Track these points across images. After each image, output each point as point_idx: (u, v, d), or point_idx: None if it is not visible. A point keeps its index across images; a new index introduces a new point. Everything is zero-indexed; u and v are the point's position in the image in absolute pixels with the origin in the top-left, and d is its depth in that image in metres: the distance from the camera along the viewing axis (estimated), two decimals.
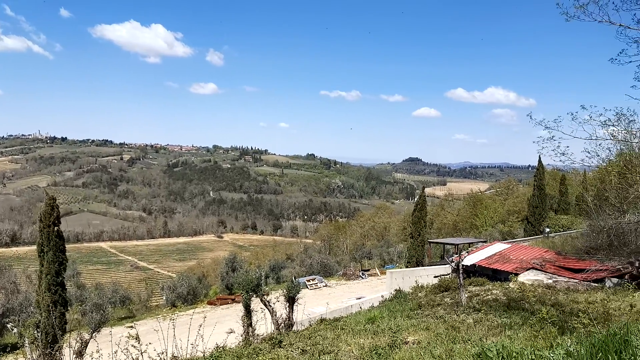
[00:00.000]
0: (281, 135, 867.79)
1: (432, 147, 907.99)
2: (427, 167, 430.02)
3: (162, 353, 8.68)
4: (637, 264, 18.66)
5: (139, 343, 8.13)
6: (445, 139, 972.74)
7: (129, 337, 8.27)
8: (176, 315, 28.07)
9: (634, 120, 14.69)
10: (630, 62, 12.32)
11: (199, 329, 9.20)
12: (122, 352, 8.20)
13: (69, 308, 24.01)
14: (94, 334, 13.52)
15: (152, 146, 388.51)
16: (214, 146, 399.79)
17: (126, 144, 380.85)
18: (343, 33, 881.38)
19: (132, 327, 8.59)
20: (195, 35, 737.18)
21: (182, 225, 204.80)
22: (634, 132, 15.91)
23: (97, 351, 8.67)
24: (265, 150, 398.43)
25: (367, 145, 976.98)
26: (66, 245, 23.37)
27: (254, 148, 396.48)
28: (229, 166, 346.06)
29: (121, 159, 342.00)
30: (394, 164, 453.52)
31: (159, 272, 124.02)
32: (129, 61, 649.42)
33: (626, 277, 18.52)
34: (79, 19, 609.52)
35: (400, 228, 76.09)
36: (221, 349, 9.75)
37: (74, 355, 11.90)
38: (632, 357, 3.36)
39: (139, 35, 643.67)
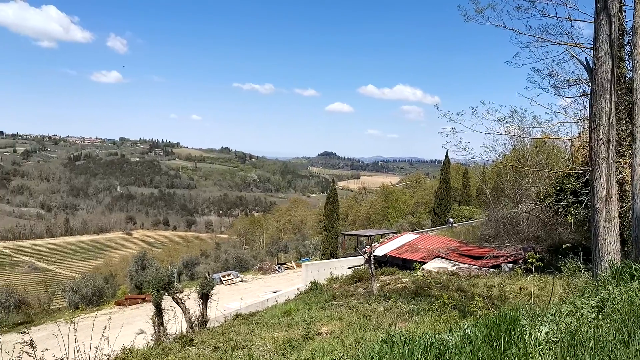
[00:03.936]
0: (194, 127, 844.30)
1: (346, 141, 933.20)
2: (341, 161, 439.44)
3: (62, 359, 8.09)
4: (528, 250, 20.46)
5: (33, 349, 7.50)
6: (358, 134, 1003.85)
7: (22, 344, 7.60)
8: (79, 318, 26.33)
9: (526, 118, 16.07)
10: (523, 64, 13.44)
11: (104, 332, 8.70)
12: None
13: None
14: None
15: (50, 138, 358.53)
16: (121, 138, 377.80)
17: (20, 135, 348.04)
18: (255, 23, 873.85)
19: (25, 332, 7.87)
20: (93, 19, 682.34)
21: (86, 223, 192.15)
22: (526, 129, 17.37)
23: None
24: (177, 143, 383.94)
25: (283, 139, 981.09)
26: None
27: (165, 141, 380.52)
28: (138, 160, 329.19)
29: (14, 151, 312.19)
30: (309, 157, 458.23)
31: (60, 272, 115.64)
32: (19, 45, 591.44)
33: (519, 261, 20.24)
34: None
35: (315, 221, 77.18)
36: (128, 351, 9.30)
37: None
38: (520, 335, 3.68)
39: (28, 17, 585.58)
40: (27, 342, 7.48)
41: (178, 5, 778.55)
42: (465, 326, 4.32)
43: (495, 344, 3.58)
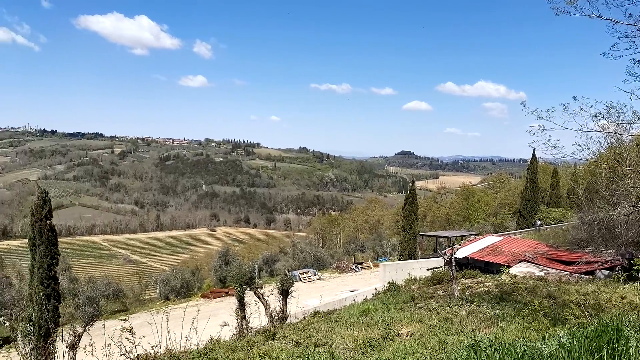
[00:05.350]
0: (273, 128, 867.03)
1: (424, 140, 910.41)
2: (419, 160, 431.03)
3: (156, 346, 8.67)
4: (627, 256, 18.86)
5: (132, 336, 8.11)
6: (437, 133, 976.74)
7: (122, 330, 8.25)
8: (170, 308, 28.05)
9: (624, 113, 14.75)
10: (622, 56, 12.35)
11: (193, 322, 9.20)
12: (115, 345, 8.18)
13: (62, 301, 23.87)
14: (87, 327, 13.47)
15: (143, 139, 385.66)
16: (206, 139, 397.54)
17: (117, 137, 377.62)
18: (332, 25, 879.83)
19: (125, 320, 8.54)
20: (180, 27, 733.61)
21: (175, 219, 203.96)
22: (624, 125, 15.97)
23: (91, 344, 8.64)
24: (258, 144, 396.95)
25: (360, 139, 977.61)
26: (58, 239, 23.21)
27: (246, 141, 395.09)
28: (222, 159, 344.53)
29: (112, 152, 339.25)
30: (386, 157, 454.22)
31: (151, 265, 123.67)
32: (115, 53, 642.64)
33: (617, 268, 18.73)
34: (60, 10, 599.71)
35: (393, 221, 76.28)
36: (215, 341, 9.76)
37: (67, 349, 11.85)
38: (625, 347, 3.40)
39: (123, 27, 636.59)
40: (127, 329, 8.11)
41: (258, 10, 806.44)
42: (561, 335, 4.07)
43: (596, 355, 3.33)
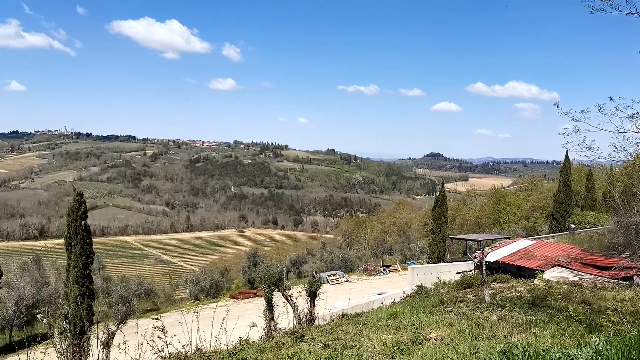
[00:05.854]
0: (301, 130, 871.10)
1: (453, 142, 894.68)
2: (448, 162, 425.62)
3: (187, 345, 8.83)
4: None
5: (164, 335, 8.27)
6: (467, 134, 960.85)
7: (154, 329, 8.42)
8: (200, 308, 28.47)
9: None
10: None
11: (222, 322, 9.32)
12: (147, 343, 8.36)
13: (96, 300, 24.52)
14: (120, 326, 13.78)
15: (174, 142, 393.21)
16: (235, 141, 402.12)
17: (149, 140, 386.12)
18: (360, 27, 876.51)
19: (157, 319, 8.73)
20: (210, 30, 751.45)
21: (204, 220, 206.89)
22: None
23: (124, 342, 8.86)
24: (286, 146, 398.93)
25: (387, 141, 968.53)
26: (92, 239, 23.83)
27: (274, 143, 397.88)
28: (250, 161, 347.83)
29: (144, 154, 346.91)
30: (414, 159, 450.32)
31: (182, 265, 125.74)
32: (147, 57, 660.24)
33: None
34: (94, 15, 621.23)
35: (421, 224, 75.51)
36: (244, 342, 9.86)
37: (101, 346, 12.15)
38: None
39: (155, 31, 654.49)
40: (159, 328, 8.28)
41: (286, 13, 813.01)
42: (597, 342, 3.95)
43: None
